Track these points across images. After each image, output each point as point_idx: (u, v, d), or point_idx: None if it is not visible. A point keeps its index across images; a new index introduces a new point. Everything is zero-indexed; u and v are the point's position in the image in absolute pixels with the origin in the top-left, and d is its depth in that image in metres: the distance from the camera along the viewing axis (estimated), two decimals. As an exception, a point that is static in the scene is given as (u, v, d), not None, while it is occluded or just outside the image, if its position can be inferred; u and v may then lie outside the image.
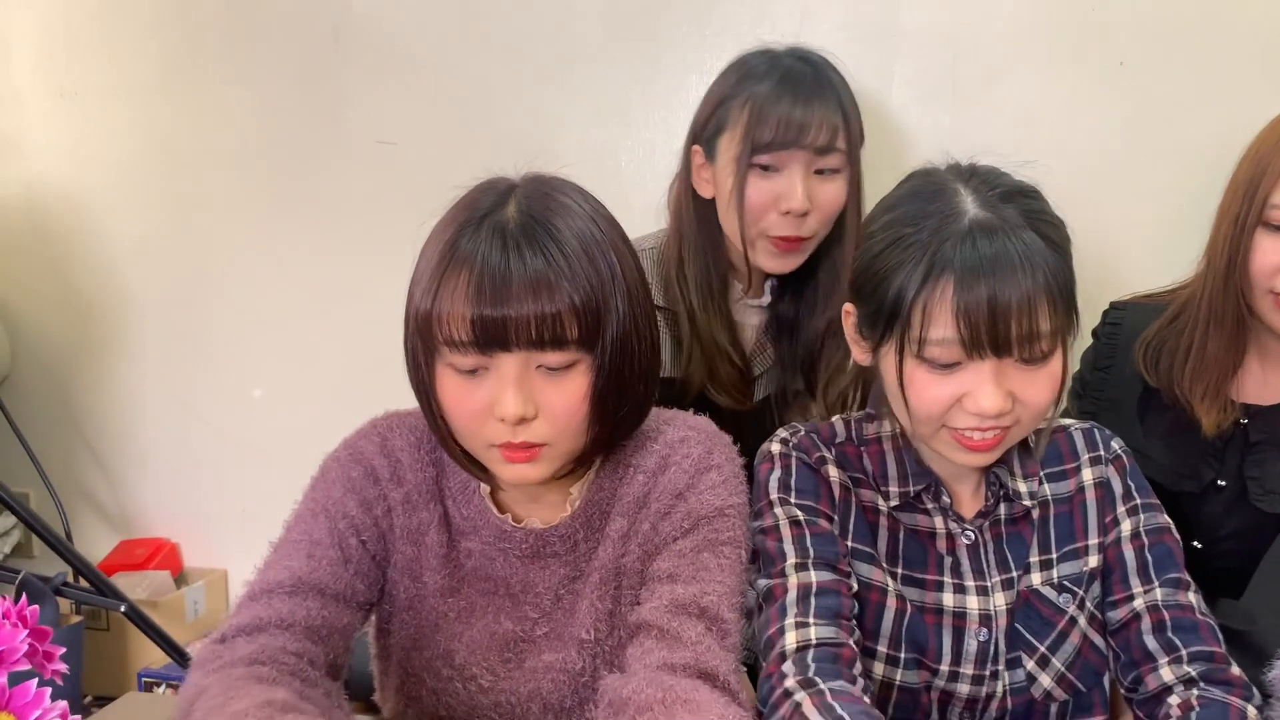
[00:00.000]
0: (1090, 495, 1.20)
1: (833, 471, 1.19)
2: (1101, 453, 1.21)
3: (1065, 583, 1.17)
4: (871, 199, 1.27)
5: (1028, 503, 1.18)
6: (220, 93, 2.32)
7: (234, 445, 2.44)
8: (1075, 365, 1.58)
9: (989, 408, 1.05)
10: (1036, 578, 1.17)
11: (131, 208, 2.41)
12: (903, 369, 1.09)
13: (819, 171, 1.58)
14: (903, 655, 1.15)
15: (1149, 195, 1.85)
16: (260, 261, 2.35)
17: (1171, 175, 1.83)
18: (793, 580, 1.11)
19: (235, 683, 0.93)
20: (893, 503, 1.18)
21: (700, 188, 1.65)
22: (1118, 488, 1.20)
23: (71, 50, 2.39)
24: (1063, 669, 1.15)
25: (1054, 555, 1.18)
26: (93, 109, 2.39)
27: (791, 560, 1.12)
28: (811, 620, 1.08)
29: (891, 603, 1.15)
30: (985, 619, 1.15)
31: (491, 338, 0.98)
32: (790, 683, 1.03)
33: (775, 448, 1.22)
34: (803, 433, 1.23)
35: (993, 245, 1.03)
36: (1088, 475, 1.21)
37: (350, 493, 1.10)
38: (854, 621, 1.11)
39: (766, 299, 1.71)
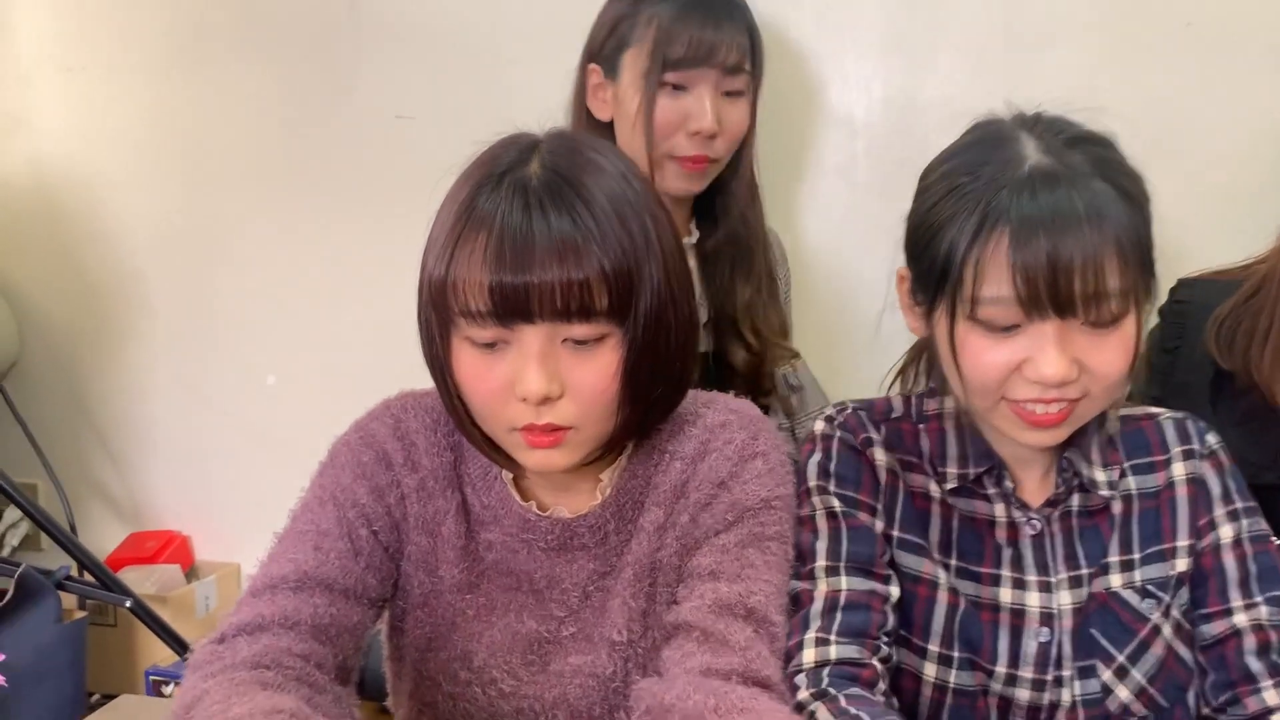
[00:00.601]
0: (1181, 492, 1.11)
1: (878, 455, 1.12)
2: (1195, 446, 1.13)
3: (1149, 587, 1.09)
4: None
5: (1106, 494, 1.10)
6: (232, 67, 2.28)
7: (247, 434, 2.40)
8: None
9: (1051, 374, 0.97)
10: (1116, 579, 1.09)
11: (141, 186, 2.38)
12: (954, 333, 1.01)
13: (727, 94, 1.56)
14: (955, 655, 1.08)
15: (1218, 163, 1.78)
16: (274, 242, 2.32)
17: (1243, 142, 1.76)
18: (821, 587, 1.06)
19: (237, 688, 0.87)
20: (949, 485, 1.11)
21: (597, 109, 1.62)
22: (1215, 487, 1.11)
23: (79, 25, 2.36)
24: (1143, 682, 1.07)
25: (1136, 556, 1.10)
26: (101, 85, 2.36)
27: (822, 562, 1.07)
28: (834, 637, 1.03)
29: (943, 598, 1.08)
30: (1046, 618, 1.08)
31: (512, 308, 0.91)
32: (804, 695, 0.99)
33: (820, 427, 1.15)
34: (850, 410, 1.16)
35: (1054, 194, 0.96)
36: (1179, 470, 1.12)
37: (361, 479, 1.04)
38: (883, 638, 1.05)
39: (694, 237, 1.67)
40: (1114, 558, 1.09)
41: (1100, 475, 1.10)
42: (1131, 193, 0.99)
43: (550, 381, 0.93)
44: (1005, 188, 0.97)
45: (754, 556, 1.00)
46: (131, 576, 2.22)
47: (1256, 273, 1.46)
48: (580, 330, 0.93)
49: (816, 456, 1.13)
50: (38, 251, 2.46)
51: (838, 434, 1.13)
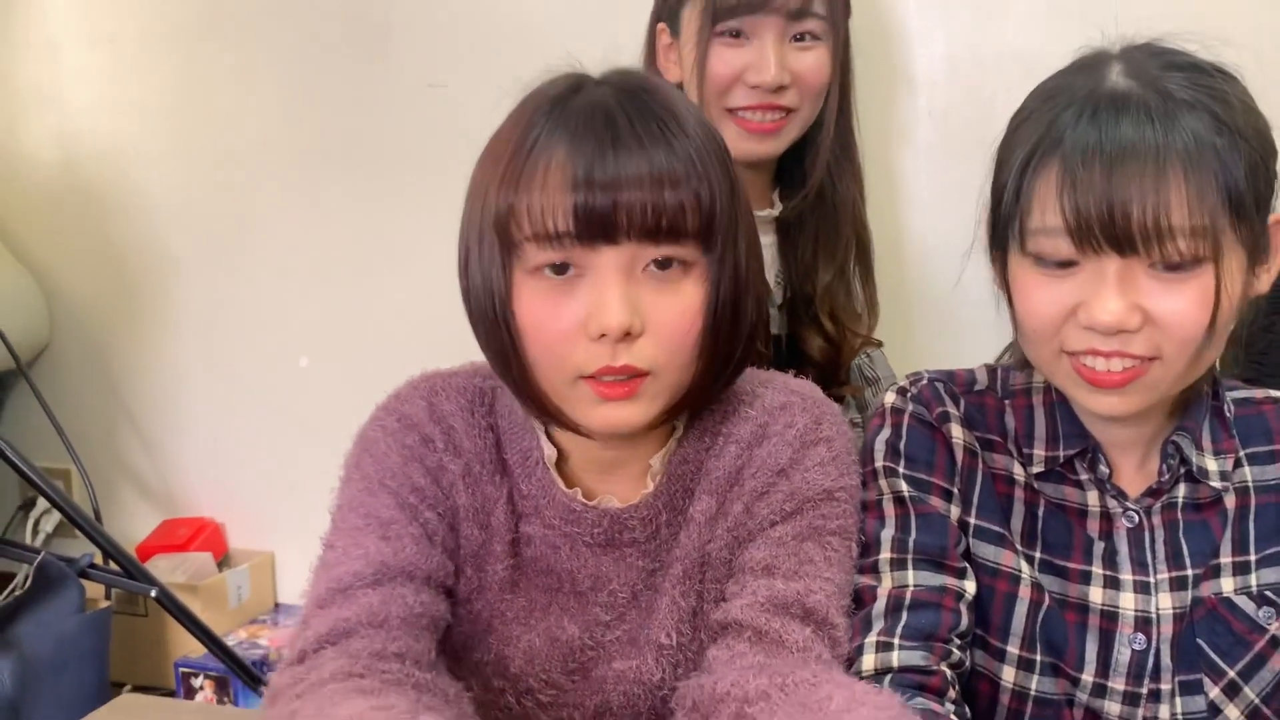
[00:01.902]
0: None
1: (956, 431, 1.03)
2: None
3: (1268, 593, 0.98)
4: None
5: (1217, 485, 0.99)
6: (263, 36, 2.24)
7: (281, 418, 2.37)
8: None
9: (1103, 316, 0.87)
10: (1228, 583, 0.98)
11: (171, 161, 2.35)
12: (1009, 272, 0.95)
13: (796, 40, 1.43)
14: (1038, 659, 0.99)
15: None
16: (305, 217, 2.28)
17: None
18: (885, 584, 0.98)
19: (333, 699, 0.79)
20: (1036, 469, 1.01)
21: (668, 70, 1.50)
22: None
23: (109, -8, 2.34)
24: (1257, 701, 0.97)
25: (1253, 557, 0.99)
26: (130, 57, 2.34)
27: (887, 554, 1.00)
28: (897, 641, 0.94)
29: (1025, 593, 0.99)
30: (1143, 623, 0.98)
31: (596, 224, 0.85)
32: None
33: (890, 399, 1.06)
34: (925, 381, 1.06)
35: (1120, 116, 0.88)
36: None
37: (412, 461, 0.95)
38: (955, 641, 0.96)
39: (776, 209, 1.54)
40: (1226, 558, 0.99)
41: (1212, 464, 0.99)
42: (1236, 126, 0.88)
43: (631, 313, 0.86)
44: (1069, 108, 0.90)
45: (813, 552, 0.93)
46: (162, 565, 2.22)
47: None
48: (668, 250, 0.87)
49: (885, 433, 1.03)
50: (67, 230, 2.44)
51: (910, 407, 1.04)
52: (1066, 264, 0.90)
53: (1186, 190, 0.86)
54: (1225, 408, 1.02)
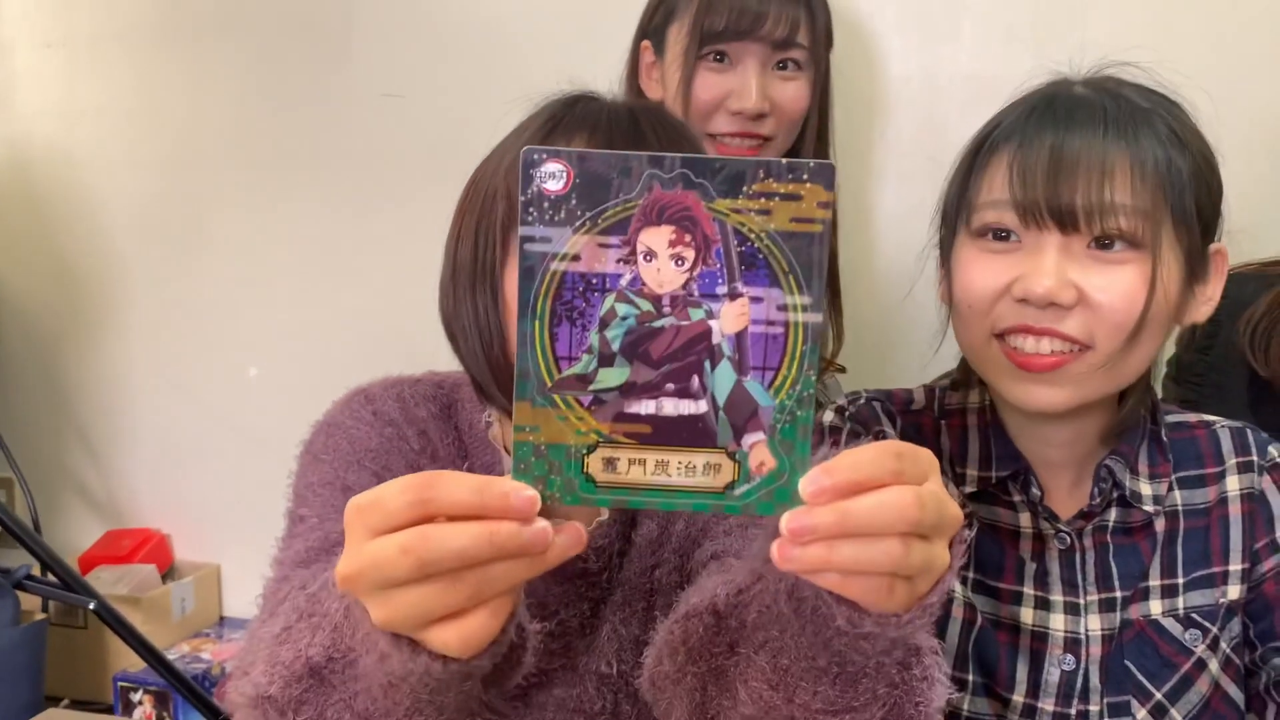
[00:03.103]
0: (1235, 510, 1.00)
1: None
2: (1254, 458, 1.01)
3: (1194, 616, 0.98)
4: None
5: (1149, 509, 0.99)
6: (218, 42, 2.21)
7: (229, 429, 2.32)
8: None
9: (1036, 286, 0.87)
10: (1156, 606, 0.98)
11: (122, 167, 2.31)
12: (954, 260, 0.95)
13: (779, 69, 1.44)
14: (971, 679, 0.98)
15: (1265, 149, 1.63)
16: (258, 226, 2.24)
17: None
18: None
19: None
20: (969, 489, 1.00)
21: (649, 89, 1.51)
22: (1276, 505, 1.00)
23: (60, -3, 2.30)
24: None
25: (1180, 580, 0.98)
26: (82, 61, 2.30)
27: None
28: None
29: (959, 613, 0.98)
30: (1072, 644, 0.97)
31: None
32: None
33: (828, 418, 1.05)
34: (863, 400, 1.05)
35: (1075, 109, 0.90)
36: (1233, 484, 1.00)
37: (392, 451, 0.92)
38: None
39: None
40: (1155, 581, 0.98)
41: (1146, 488, 0.99)
42: (1185, 139, 0.90)
43: None
44: (1027, 106, 0.92)
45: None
46: (104, 576, 2.16)
47: None
48: None
49: (822, 451, 1.01)
50: (15, 236, 2.39)
51: (847, 426, 1.03)
52: (1008, 237, 0.90)
53: (1131, 172, 0.87)
54: (1162, 432, 1.01)
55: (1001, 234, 0.91)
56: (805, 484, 0.53)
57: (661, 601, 0.93)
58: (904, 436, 1.02)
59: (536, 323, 0.53)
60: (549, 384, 0.54)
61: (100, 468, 2.42)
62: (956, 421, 1.03)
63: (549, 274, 0.53)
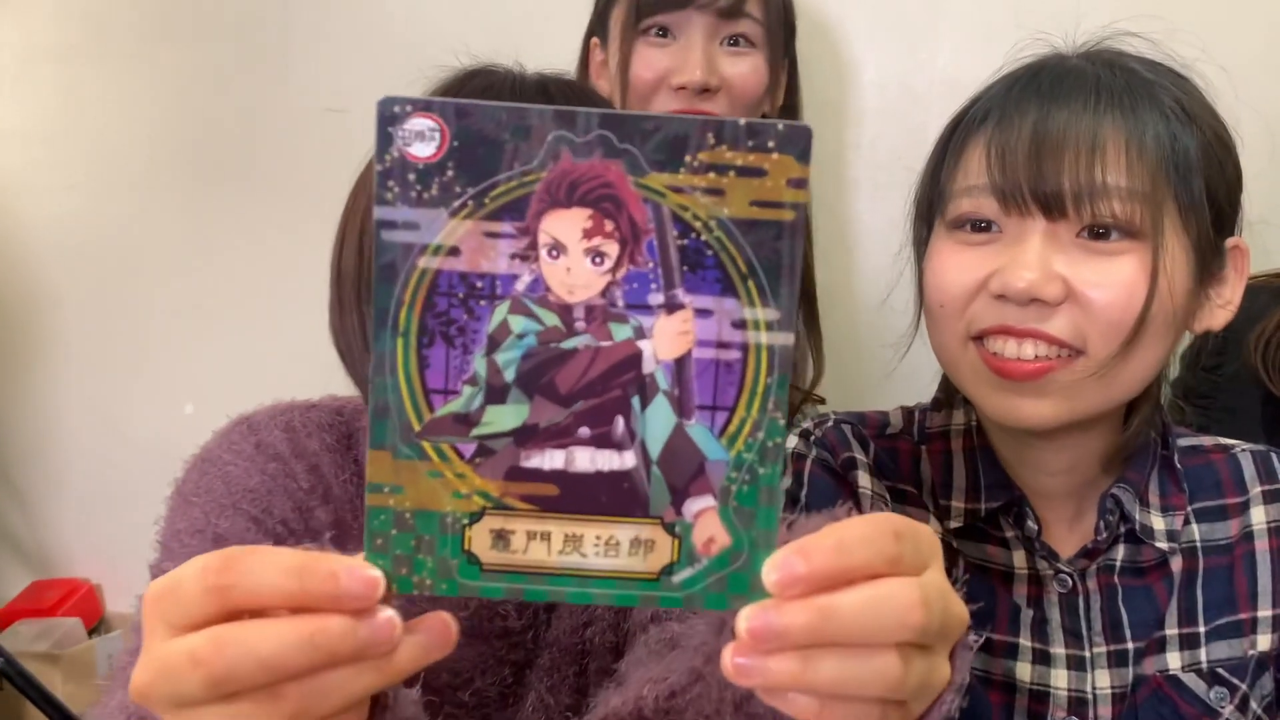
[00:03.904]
0: (1262, 545, 0.89)
1: (864, 480, 0.92)
2: None
3: (1220, 671, 0.87)
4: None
5: (1163, 546, 0.88)
6: (152, 59, 2.13)
7: (165, 471, 2.10)
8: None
9: (1016, 280, 0.77)
10: (1174, 659, 0.87)
11: (50, 190, 2.21)
12: (929, 255, 0.86)
13: (729, 44, 1.34)
14: None
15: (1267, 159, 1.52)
16: (195, 250, 2.15)
17: None
18: None
19: None
20: (954, 524, 0.89)
21: (600, 87, 1.41)
22: None
23: (-19, 8, 2.24)
24: None
25: (1202, 629, 0.88)
26: (6, 74, 2.20)
27: None
28: None
29: (960, 700, 0.84)
30: (1077, 704, 0.87)
31: None
32: None
33: (791, 444, 0.95)
34: (831, 424, 0.95)
35: (1063, 78, 0.80)
36: (1258, 516, 0.90)
37: (276, 491, 0.81)
38: None
39: None
40: (1172, 630, 0.88)
41: (1158, 522, 0.88)
42: (1194, 113, 0.80)
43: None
44: (1015, 80, 0.82)
45: None
46: (23, 631, 2.03)
47: None
48: None
49: (784, 482, 0.89)
50: (-64, 263, 2.29)
51: (813, 453, 0.93)
52: (986, 227, 0.80)
53: (1127, 149, 0.76)
54: (1175, 459, 0.90)
55: (981, 224, 0.81)
56: (772, 569, 0.40)
57: (595, 665, 0.82)
58: (878, 464, 0.90)
59: (399, 341, 0.40)
60: (417, 427, 0.40)
61: (26, 513, 2.29)
62: (939, 446, 0.92)
63: (416, 273, 0.39)
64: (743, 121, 0.38)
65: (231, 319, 2.14)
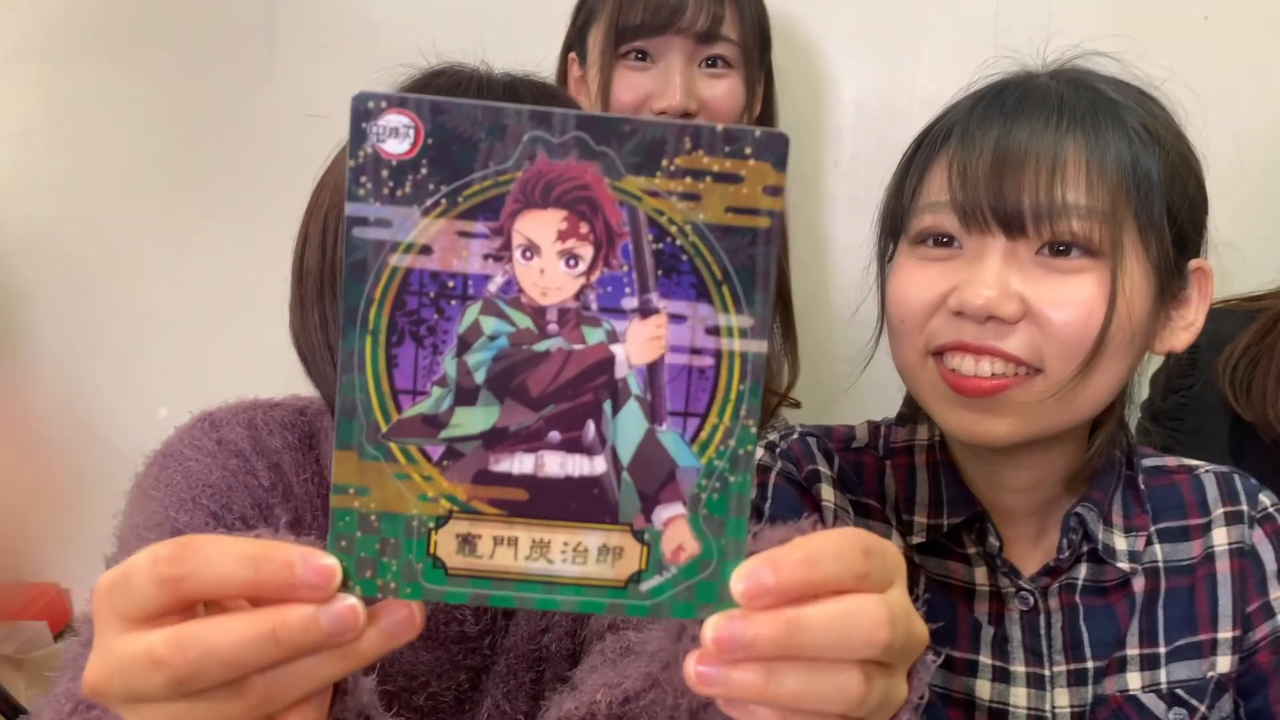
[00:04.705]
0: (1223, 567, 0.89)
1: (827, 493, 0.91)
2: (1244, 507, 0.91)
3: (1179, 692, 0.86)
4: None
5: (1125, 566, 0.87)
6: (133, 60, 2.09)
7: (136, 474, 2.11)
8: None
9: (974, 297, 0.76)
10: (1134, 679, 0.86)
11: (23, 190, 2.18)
12: (890, 273, 0.86)
13: (707, 66, 1.35)
14: None
15: (1240, 175, 1.52)
16: (171, 252, 2.11)
17: (1270, 151, 1.53)
18: None
19: None
20: (916, 539, 0.88)
21: (580, 103, 1.41)
22: (1270, 561, 0.89)
23: (-39, 8, 2.19)
24: None
25: (1162, 649, 0.87)
26: None
27: None
28: None
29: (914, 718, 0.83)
30: None
31: None
32: None
33: (759, 456, 0.93)
34: (797, 436, 0.94)
35: (1026, 96, 0.80)
36: (1220, 538, 0.89)
37: (236, 487, 0.80)
38: None
39: None
40: (1132, 650, 0.87)
41: (1120, 542, 0.88)
42: (1159, 135, 0.79)
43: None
44: (979, 98, 0.82)
45: None
46: (-12, 634, 1.96)
47: (1271, 308, 1.27)
48: None
49: (763, 533, 0.89)
50: (-92, 263, 2.24)
51: (778, 465, 0.91)
52: (948, 243, 0.79)
53: (1088, 167, 0.76)
54: (1139, 479, 0.90)
55: (943, 239, 0.80)
56: (740, 579, 0.39)
57: (551, 673, 0.81)
58: (842, 477, 0.90)
59: (368, 339, 0.39)
60: (383, 428, 0.40)
61: (-4, 515, 2.25)
62: (903, 461, 0.91)
63: (387, 271, 0.39)
64: (720, 127, 0.38)
65: (207, 323, 2.11)
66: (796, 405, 1.50)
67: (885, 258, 0.88)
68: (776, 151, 0.39)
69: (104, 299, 2.16)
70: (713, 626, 0.39)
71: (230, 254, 2.08)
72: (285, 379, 2.07)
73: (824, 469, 0.90)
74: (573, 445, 0.40)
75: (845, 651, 0.40)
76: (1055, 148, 0.76)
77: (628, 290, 0.39)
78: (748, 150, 0.38)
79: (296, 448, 0.84)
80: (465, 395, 0.39)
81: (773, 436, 0.94)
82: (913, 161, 0.84)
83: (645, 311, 0.39)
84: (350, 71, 1.93)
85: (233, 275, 2.08)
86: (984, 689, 0.86)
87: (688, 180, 0.38)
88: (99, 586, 0.41)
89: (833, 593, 0.40)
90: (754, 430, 0.40)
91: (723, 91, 1.35)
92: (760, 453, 0.92)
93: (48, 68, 2.14)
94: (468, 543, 0.40)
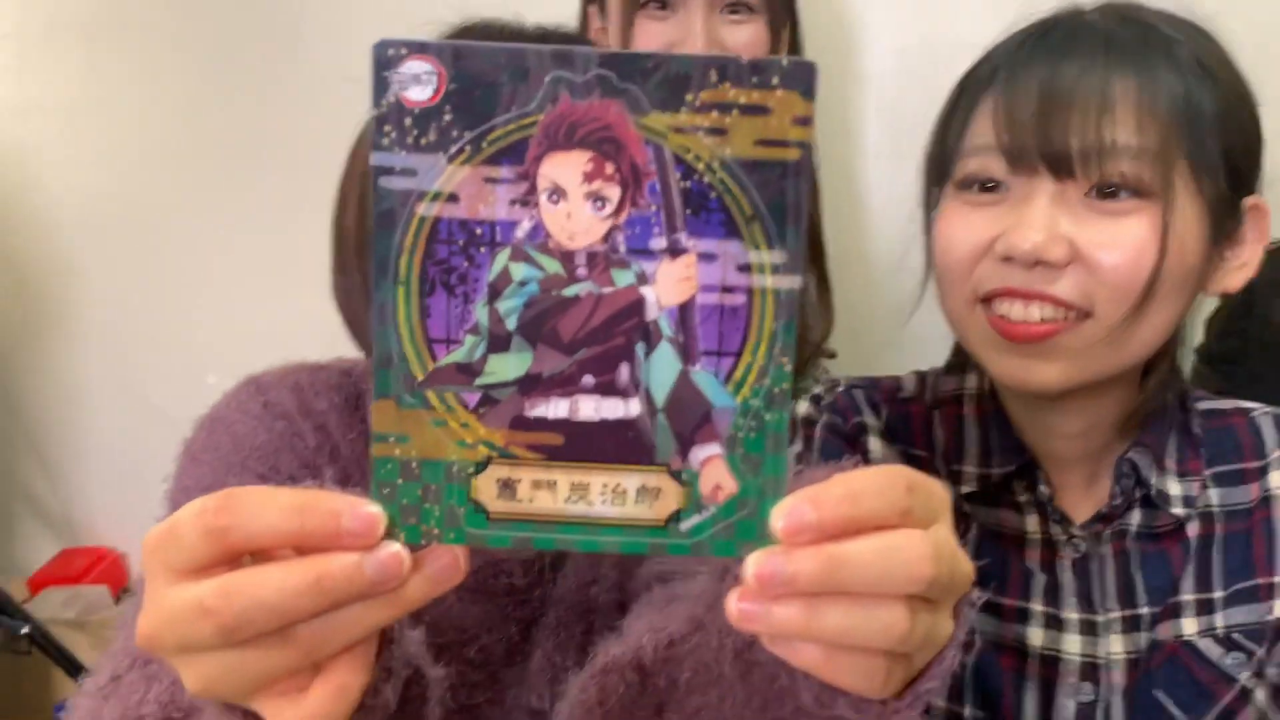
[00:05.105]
0: None
1: (875, 445, 0.90)
2: None
3: (1236, 636, 0.84)
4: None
5: (1179, 511, 0.85)
6: (171, 32, 2.11)
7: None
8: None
9: (1021, 241, 0.75)
10: (1190, 625, 0.84)
11: (75, 164, 2.19)
12: (933, 219, 0.85)
13: (730, 12, 1.32)
14: (967, 712, 0.85)
15: None
16: (217, 221, 2.13)
17: None
18: None
19: None
20: (966, 489, 0.87)
21: None
22: None
23: (7, -16, 2.21)
24: None
25: (1218, 594, 0.85)
26: (31, 52, 2.18)
27: None
28: None
29: (959, 655, 0.83)
30: (1090, 670, 0.84)
31: None
32: None
33: (802, 409, 0.92)
34: (843, 388, 0.93)
35: (1076, 34, 0.77)
36: (1277, 480, 0.86)
37: (283, 448, 0.80)
38: None
39: None
40: (1188, 595, 0.85)
41: (1175, 487, 0.85)
42: (1213, 70, 0.76)
43: None
44: (1026, 37, 0.79)
45: None
46: (53, 599, 2.04)
47: None
48: None
49: (794, 448, 0.90)
50: (-38, 236, 2.29)
51: (823, 418, 0.90)
52: (994, 187, 0.78)
53: (1138, 106, 0.73)
54: (1193, 422, 0.88)
55: (989, 184, 0.79)
56: (780, 516, 0.39)
57: (601, 624, 0.80)
58: (890, 429, 0.89)
59: (400, 290, 0.39)
60: (420, 377, 0.40)
61: (54, 482, 2.30)
62: (951, 411, 0.90)
63: (415, 221, 0.38)
64: (746, 59, 0.37)
65: (253, 290, 2.13)
66: (832, 355, 1.49)
67: (930, 205, 0.87)
68: (804, 80, 0.38)
69: (151, 269, 2.19)
70: (754, 562, 0.39)
71: (274, 221, 2.08)
72: (331, 342, 2.09)
73: (871, 420, 0.90)
74: (607, 389, 0.40)
75: (889, 586, 0.39)
76: (1104, 86, 0.74)
77: (656, 231, 0.38)
78: (775, 80, 0.37)
79: (342, 409, 0.85)
80: (498, 342, 0.39)
81: (817, 389, 0.93)
82: (957, 105, 0.82)
83: (674, 251, 0.39)
84: (385, 32, 1.95)
85: (276, 242, 2.07)
86: (1036, 636, 0.85)
87: (714, 114, 0.38)
88: (147, 541, 0.42)
89: (875, 529, 0.39)
90: (789, 368, 0.39)
91: (746, 39, 1.32)
92: (805, 406, 0.92)
93: (89, 42, 2.16)
94: (508, 487, 0.40)
